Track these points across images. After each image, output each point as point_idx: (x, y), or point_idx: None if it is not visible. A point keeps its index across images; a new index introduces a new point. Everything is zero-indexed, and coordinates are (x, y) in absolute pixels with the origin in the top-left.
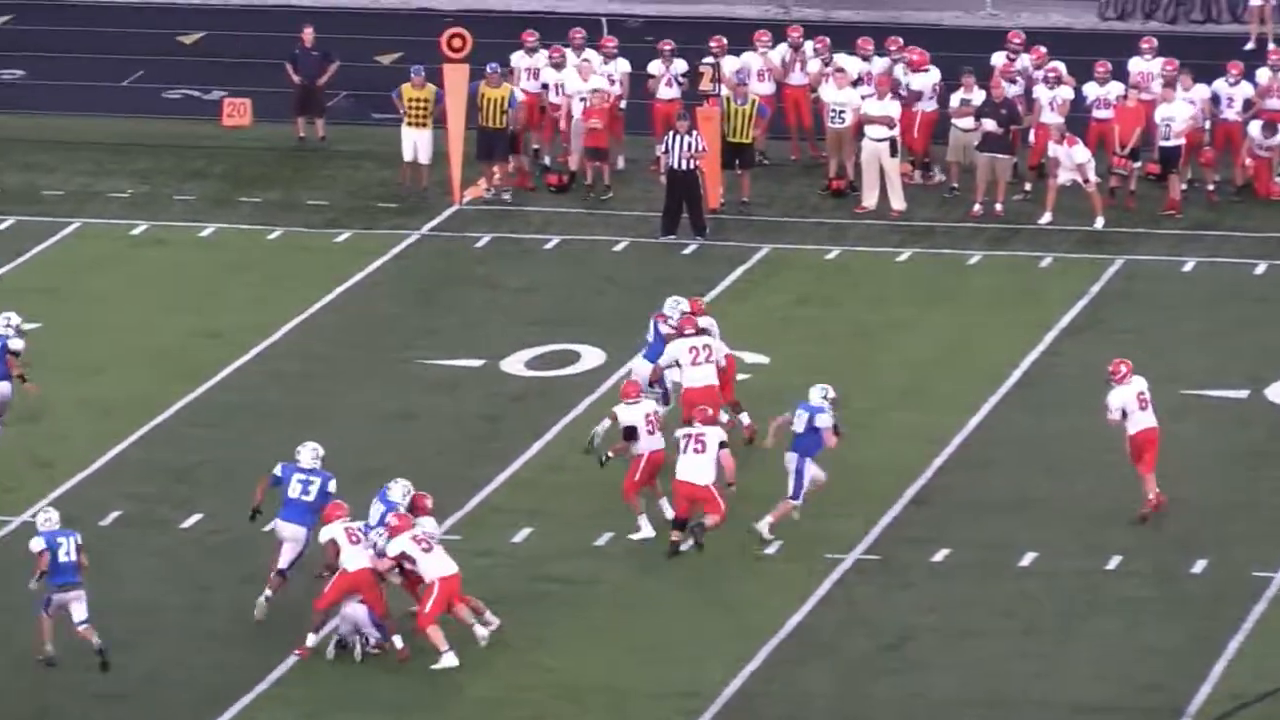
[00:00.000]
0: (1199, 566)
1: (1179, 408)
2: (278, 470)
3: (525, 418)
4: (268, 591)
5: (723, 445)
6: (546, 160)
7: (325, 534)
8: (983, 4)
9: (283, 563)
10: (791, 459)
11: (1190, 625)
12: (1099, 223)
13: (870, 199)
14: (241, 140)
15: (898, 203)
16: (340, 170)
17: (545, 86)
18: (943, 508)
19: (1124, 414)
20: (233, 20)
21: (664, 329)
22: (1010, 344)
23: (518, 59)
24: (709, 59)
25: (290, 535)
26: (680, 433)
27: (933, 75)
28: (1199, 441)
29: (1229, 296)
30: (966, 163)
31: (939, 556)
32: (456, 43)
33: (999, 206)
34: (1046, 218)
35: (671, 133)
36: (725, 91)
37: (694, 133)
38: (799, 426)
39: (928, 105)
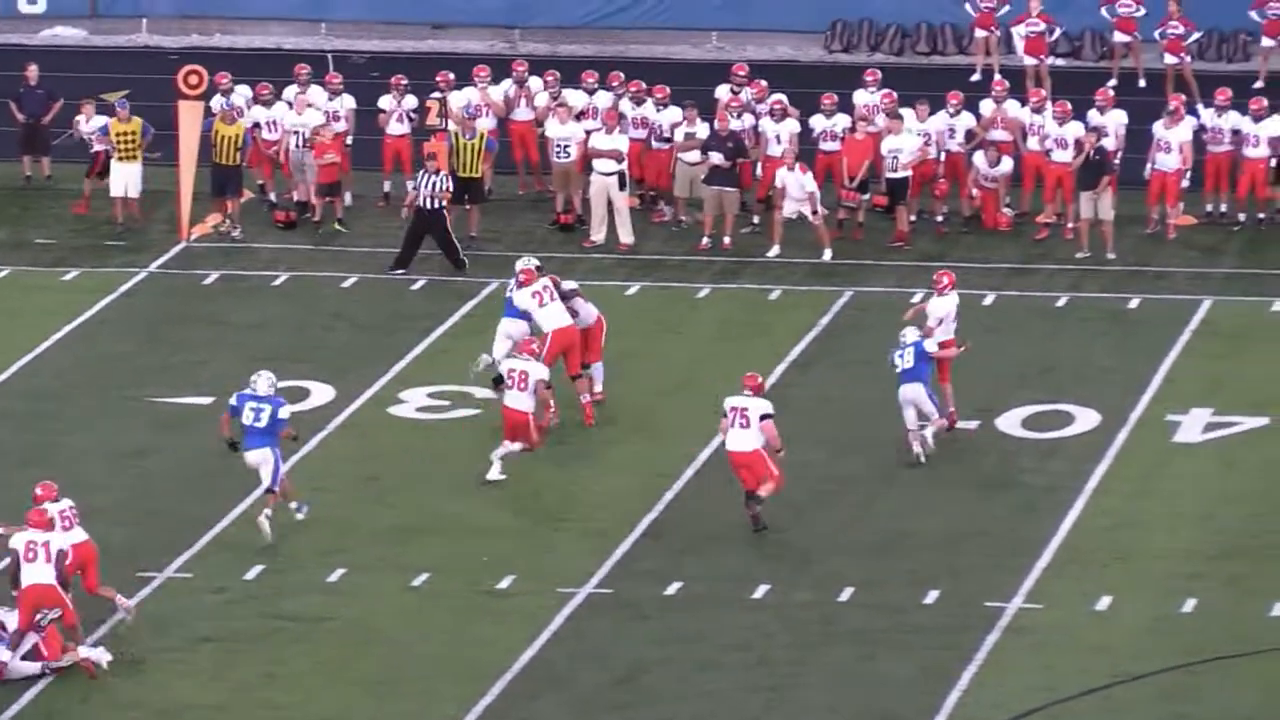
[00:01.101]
0: (930, 597)
1: None
2: (233, 400)
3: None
4: (267, 510)
5: (765, 417)
6: (272, 196)
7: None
8: (709, 37)
9: (267, 481)
10: (912, 390)
11: (923, 656)
12: (826, 255)
13: (599, 233)
14: None
15: (626, 236)
16: (67, 209)
17: (256, 124)
18: (675, 540)
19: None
20: None
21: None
22: (739, 376)
23: (215, 101)
24: (436, 94)
25: (255, 460)
26: (727, 405)
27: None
28: (930, 472)
29: (960, 327)
30: (693, 196)
31: (671, 589)
32: (193, 79)
33: (727, 240)
34: (775, 250)
35: (422, 171)
36: (452, 126)
37: (441, 173)
38: (908, 361)
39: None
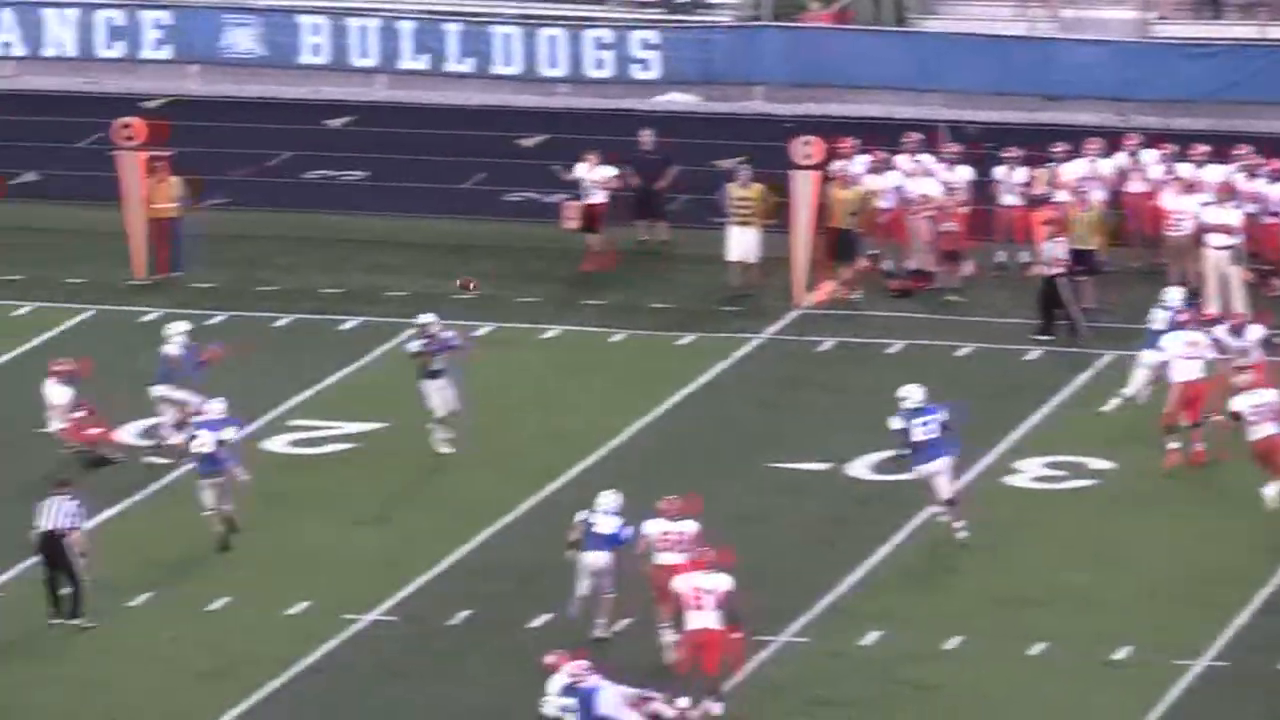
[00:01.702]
0: None
1: None
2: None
3: (871, 521)
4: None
5: None
6: (887, 265)
7: None
8: None
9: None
10: None
11: None
12: None
13: (1213, 307)
14: (582, 243)
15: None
16: (682, 273)
17: (870, 192)
18: None
19: None
20: (573, 123)
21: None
22: None
23: (835, 166)
24: (1048, 165)
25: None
26: None
27: None
28: None
29: None
30: None
31: None
32: (807, 150)
33: None
34: None
35: (1048, 241)
36: (1064, 197)
37: (1059, 239)
38: None
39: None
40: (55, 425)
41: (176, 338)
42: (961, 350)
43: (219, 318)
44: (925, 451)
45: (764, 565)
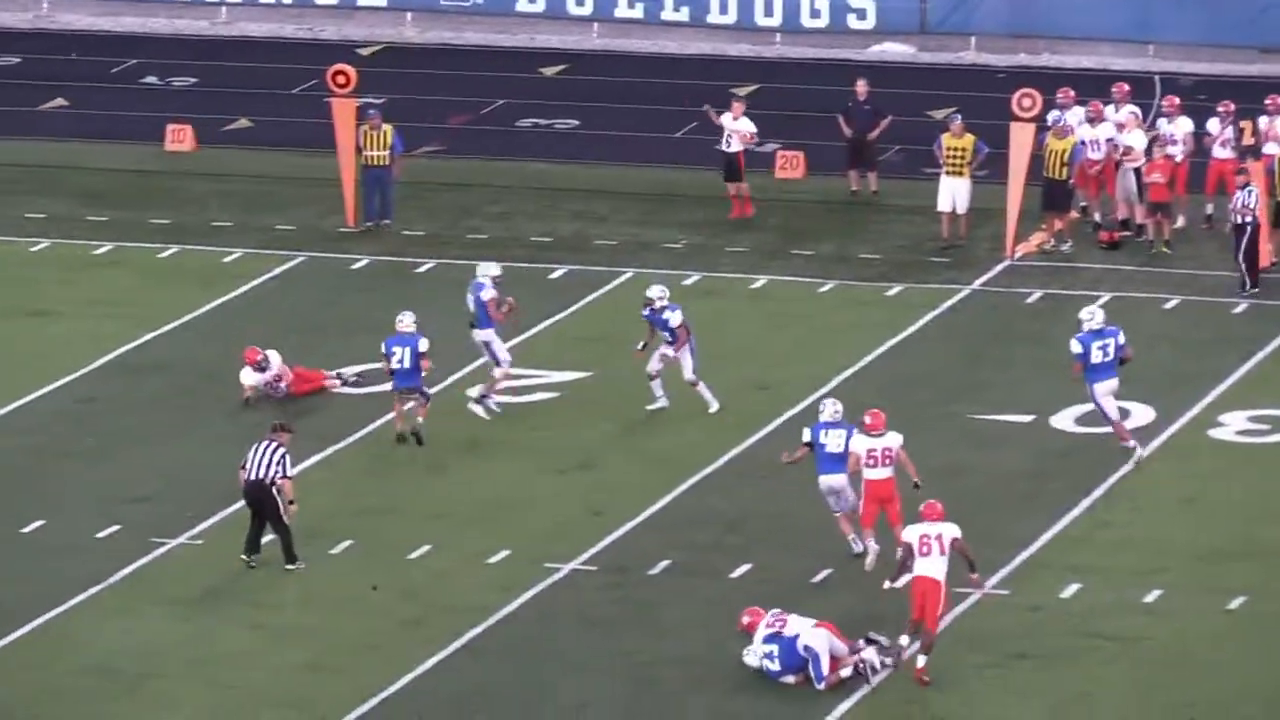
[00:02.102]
0: None
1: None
2: None
3: (1072, 474)
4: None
5: None
6: (1096, 216)
7: None
8: None
9: None
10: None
11: None
12: None
13: None
14: (794, 192)
15: None
16: (892, 224)
17: (1083, 143)
18: None
19: None
20: (787, 73)
21: None
22: None
23: (1051, 117)
24: (1261, 118)
25: None
26: None
27: None
28: None
29: None
30: None
31: None
32: (1026, 102)
33: None
34: None
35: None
36: (1275, 149)
37: (1249, 188)
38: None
39: None
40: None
41: (486, 279)
42: (1169, 303)
43: (428, 265)
44: (1099, 371)
45: (964, 517)
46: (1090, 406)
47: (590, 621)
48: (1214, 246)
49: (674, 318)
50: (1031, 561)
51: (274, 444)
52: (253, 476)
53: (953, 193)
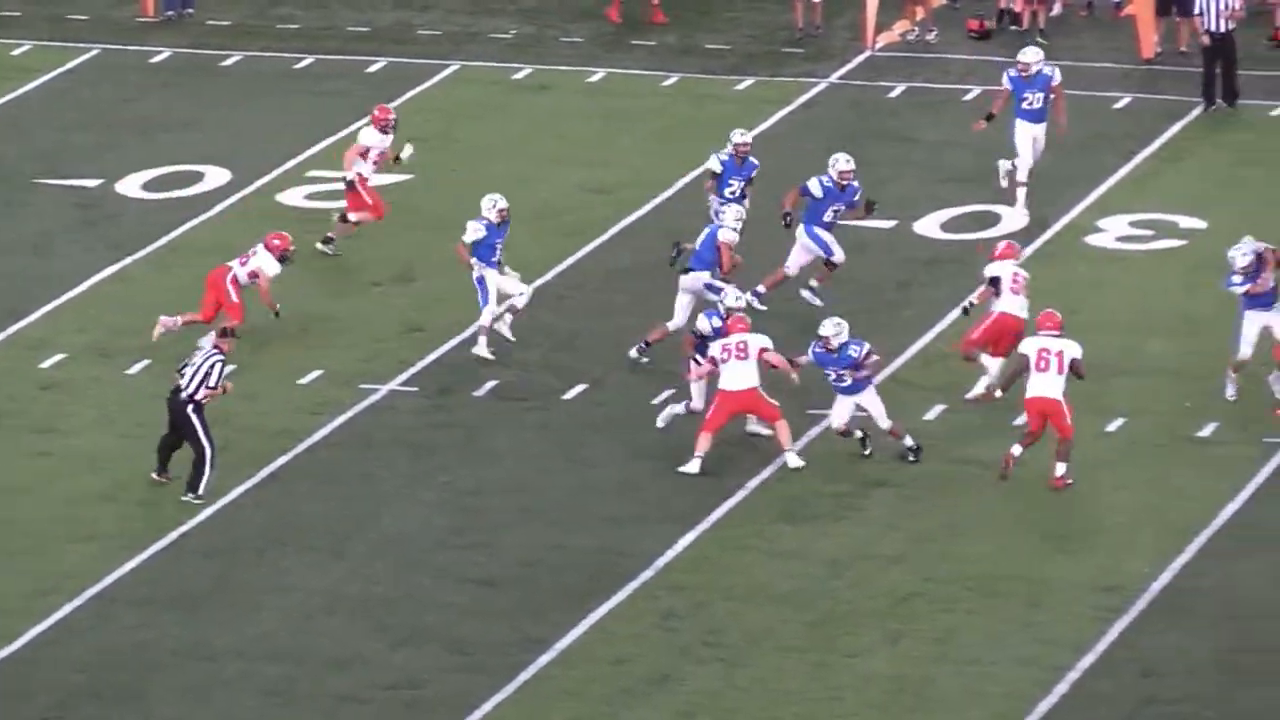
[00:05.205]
0: None
1: None
2: None
3: (938, 285)
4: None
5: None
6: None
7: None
8: None
9: None
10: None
11: None
12: None
13: None
14: None
15: None
16: (742, 11)
17: None
18: None
19: None
20: None
21: None
22: None
23: None
24: None
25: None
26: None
27: None
28: None
29: None
30: None
31: None
32: None
33: None
34: None
35: None
36: None
37: None
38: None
39: None
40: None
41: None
42: None
43: (234, 58)
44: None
45: (811, 330)
46: (957, 211)
47: (410, 447)
48: (1094, 35)
49: None
50: (894, 380)
51: (212, 354)
52: (182, 389)
53: None
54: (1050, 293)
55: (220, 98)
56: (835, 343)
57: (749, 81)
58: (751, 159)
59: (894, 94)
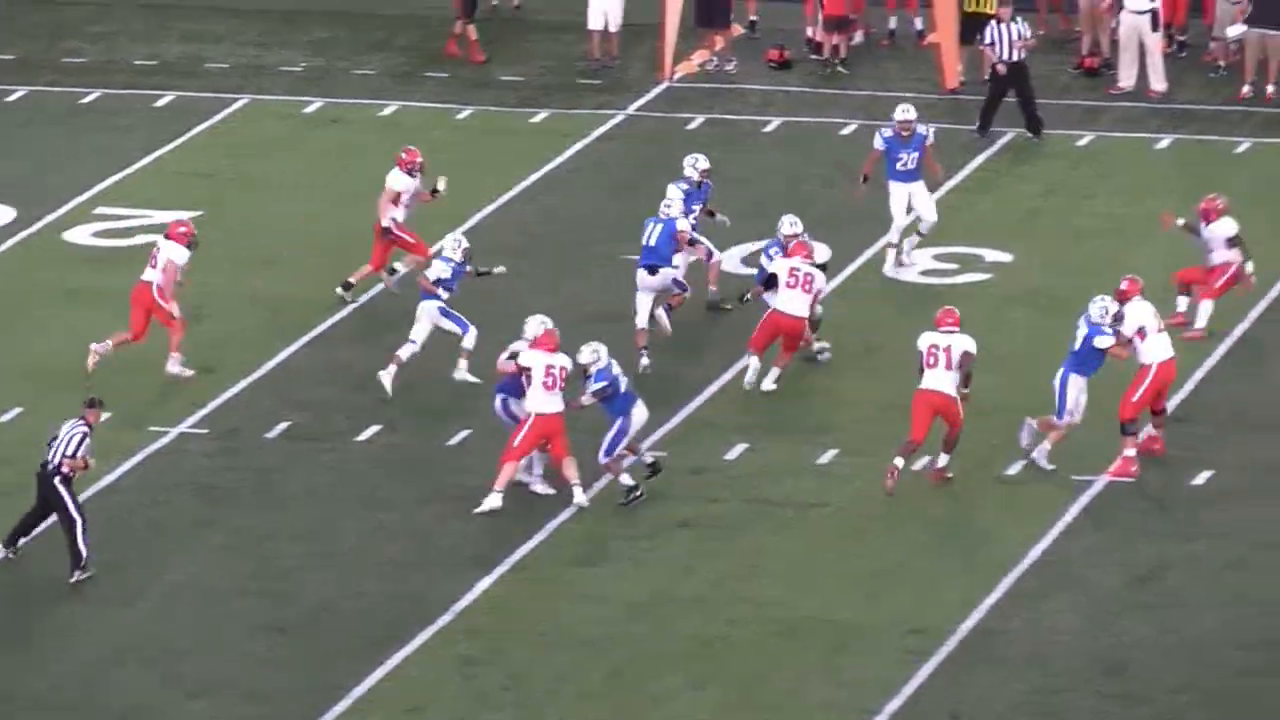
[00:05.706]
0: None
1: None
2: None
3: (745, 321)
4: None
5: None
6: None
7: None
8: None
9: None
10: (1074, 381)
11: None
12: None
13: (1127, 79)
14: (428, 6)
15: (1158, 83)
16: (537, 43)
17: None
18: (1202, 425)
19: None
20: None
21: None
22: None
23: None
24: None
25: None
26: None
27: None
28: None
29: None
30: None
31: (1200, 480)
32: None
33: (1270, 89)
34: None
35: (995, 22)
36: None
37: (1018, 19)
38: (1076, 344)
39: None
40: None
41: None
42: (846, 128)
43: (19, 93)
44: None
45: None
46: (756, 246)
47: (201, 491)
48: (897, 65)
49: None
50: (694, 419)
51: (77, 426)
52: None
53: (604, 7)
54: (853, 329)
55: (4, 133)
56: (592, 369)
57: (544, 114)
58: (708, 181)
59: (692, 125)
